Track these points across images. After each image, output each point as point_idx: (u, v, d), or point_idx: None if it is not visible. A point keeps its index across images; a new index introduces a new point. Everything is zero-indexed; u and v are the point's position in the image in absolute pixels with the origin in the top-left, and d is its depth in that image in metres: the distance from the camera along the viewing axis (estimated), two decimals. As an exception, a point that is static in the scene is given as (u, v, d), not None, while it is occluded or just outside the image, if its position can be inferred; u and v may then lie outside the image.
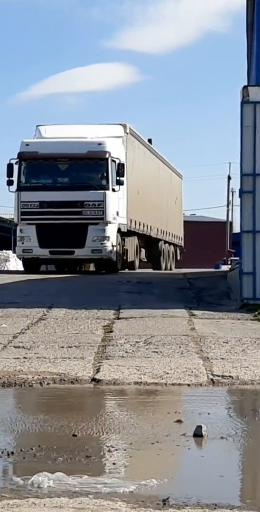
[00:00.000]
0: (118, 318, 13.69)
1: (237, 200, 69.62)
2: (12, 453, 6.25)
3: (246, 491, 5.61)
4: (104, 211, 24.97)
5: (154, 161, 34.35)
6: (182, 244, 41.72)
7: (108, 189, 25.19)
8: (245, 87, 16.21)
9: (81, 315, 13.95)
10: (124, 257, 26.70)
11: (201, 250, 58.73)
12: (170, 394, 8.64)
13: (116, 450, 6.41)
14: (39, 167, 25.97)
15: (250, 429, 7.12)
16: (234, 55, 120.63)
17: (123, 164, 25.78)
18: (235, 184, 66.72)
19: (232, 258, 43.40)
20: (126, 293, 17.78)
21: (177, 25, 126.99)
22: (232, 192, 70.68)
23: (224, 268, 40.10)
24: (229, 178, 72.22)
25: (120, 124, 27.77)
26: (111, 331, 12.25)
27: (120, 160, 25.75)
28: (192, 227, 64.69)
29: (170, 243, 37.16)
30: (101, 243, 24.86)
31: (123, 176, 25.66)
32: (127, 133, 27.93)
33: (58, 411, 7.83)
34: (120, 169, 25.57)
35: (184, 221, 65.23)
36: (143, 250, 31.03)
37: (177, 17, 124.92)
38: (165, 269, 34.48)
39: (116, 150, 26.09)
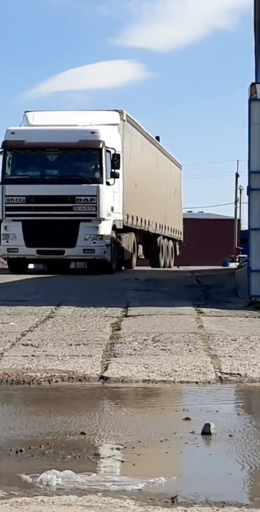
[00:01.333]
0: (126, 316, 13.70)
1: (245, 198, 69.46)
2: (21, 450, 6.26)
3: (254, 489, 5.60)
4: (98, 206, 22.56)
5: (152, 150, 31.83)
6: (182, 239, 39.50)
7: (101, 182, 22.77)
8: (252, 85, 16.19)
9: (89, 313, 13.95)
10: (120, 256, 24.56)
11: (209, 248, 58.71)
12: (178, 392, 8.64)
13: (125, 448, 6.41)
14: (26, 158, 23.41)
15: (258, 427, 7.11)
16: (242, 53, 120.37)
17: (118, 155, 23.38)
18: (243, 182, 66.63)
19: (240, 255, 43.26)
20: (134, 291, 17.78)
21: (184, 23, 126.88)
22: (240, 190, 70.58)
23: (232, 265, 40.05)
24: (237, 175, 72.10)
25: (116, 111, 25.17)
26: (119, 329, 12.26)
27: (115, 150, 23.34)
28: (200, 224, 64.69)
29: (169, 238, 35.05)
30: (94, 242, 22.52)
31: (118, 168, 23.27)
32: (124, 120, 25.31)
33: (66, 409, 7.84)
34: (115, 160, 23.09)
35: (192, 219, 65.18)
36: (140, 247, 29.04)
37: (184, 14, 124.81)
38: (164, 266, 32.59)
39: (111, 139, 23.61)
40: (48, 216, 22.71)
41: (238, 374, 9.18)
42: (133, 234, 26.84)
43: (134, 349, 10.59)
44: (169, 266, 33.92)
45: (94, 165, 22.96)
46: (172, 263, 35.32)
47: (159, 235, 32.02)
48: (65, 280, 20.55)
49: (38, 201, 22.88)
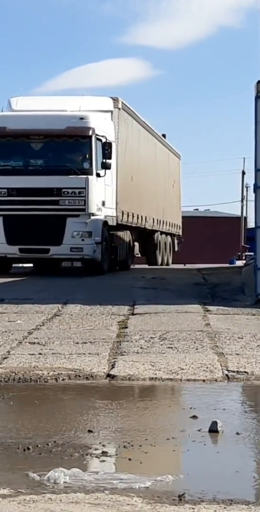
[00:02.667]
0: (133, 314, 13.70)
1: (251, 195, 69.28)
2: (28, 448, 6.27)
3: (262, 486, 5.60)
4: (86, 200, 20.29)
5: (150, 141, 29.68)
6: (180, 233, 37.06)
7: (91, 173, 20.51)
8: (259, 82, 16.16)
9: (95, 311, 13.96)
10: (113, 256, 22.39)
11: (215, 246, 58.64)
12: (185, 390, 8.64)
13: (132, 445, 6.42)
14: (8, 146, 21.07)
15: (265, 425, 7.11)
16: (248, 50, 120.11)
17: (110, 143, 21.18)
18: (250, 179, 66.57)
19: (246, 253, 43.17)
20: (141, 288, 17.78)
21: (190, 20, 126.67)
22: (247, 187, 70.48)
23: (239, 263, 40.00)
24: (243, 173, 72.01)
25: (110, 97, 23.10)
26: (126, 327, 12.26)
27: (106, 139, 21.14)
28: (206, 222, 64.66)
29: (167, 234, 32.95)
30: (83, 240, 20.27)
31: (110, 158, 21.02)
32: (119, 108, 23.27)
33: (73, 407, 7.85)
34: (107, 149, 20.90)
35: (198, 217, 65.14)
36: (136, 244, 26.97)
37: (190, 12, 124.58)
38: (162, 263, 30.91)
39: (102, 126, 21.44)
40: (31, 211, 20.53)
41: (245, 372, 9.17)
42: (128, 232, 24.82)
43: (140, 347, 10.59)
44: (167, 264, 32.33)
45: (82, 154, 20.77)
46: (170, 260, 33.49)
47: (156, 231, 30.24)
48: (72, 278, 20.55)
49: (20, 194, 20.62)
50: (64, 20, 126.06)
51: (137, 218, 25.87)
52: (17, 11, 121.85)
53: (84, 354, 10.08)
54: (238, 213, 71.10)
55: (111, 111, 22.87)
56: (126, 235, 24.40)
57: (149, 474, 5.57)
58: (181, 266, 33.62)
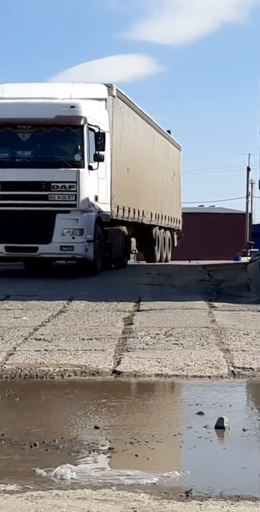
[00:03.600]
0: (138, 310, 13.70)
1: (256, 192, 69.12)
2: (35, 444, 6.29)
3: (268, 483, 5.60)
4: (78, 195, 18.72)
5: (147, 131, 27.87)
6: (180, 228, 35.28)
7: (83, 166, 18.91)
8: (264, 78, 16.14)
9: (101, 307, 13.97)
10: (107, 254, 20.89)
11: (221, 242, 58.61)
12: (191, 386, 8.64)
13: (138, 442, 6.43)
14: None
15: (271, 421, 7.11)
16: (252, 46, 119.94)
17: (103, 134, 19.50)
18: (255, 176, 66.46)
19: (251, 249, 43.14)
20: (146, 285, 17.79)
21: (194, 16, 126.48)
22: (252, 184, 70.42)
23: (244, 259, 40.00)
24: (248, 169, 71.92)
25: (104, 84, 21.54)
26: (131, 323, 12.27)
27: (99, 129, 19.46)
28: (212, 219, 64.63)
29: (166, 228, 31.34)
30: (73, 238, 18.70)
31: (103, 149, 19.42)
32: (114, 96, 21.66)
33: (79, 403, 7.86)
34: (100, 140, 19.29)
35: (204, 213, 65.13)
36: (133, 240, 25.59)
37: (194, 7, 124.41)
38: (160, 260, 29.34)
39: (95, 115, 19.93)
40: (18, 206, 18.93)
41: (250, 368, 9.17)
42: (124, 227, 23.33)
43: (146, 344, 10.60)
44: (166, 260, 30.79)
45: (73, 145, 19.17)
46: (169, 256, 31.87)
47: (154, 226, 28.64)
48: (76, 275, 20.51)
49: (6, 188, 19.08)
50: (67, 16, 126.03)
51: (134, 212, 24.38)
52: (20, 8, 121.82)
53: (90, 350, 10.09)
54: (243, 210, 71.05)
55: (105, 99, 21.27)
56: (121, 231, 22.97)
57: (156, 470, 5.58)
58: (186, 262, 33.60)
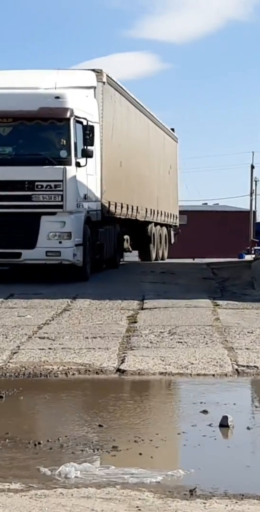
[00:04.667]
0: (142, 309, 13.70)
1: (260, 189, 69.04)
2: (39, 443, 6.29)
3: (273, 481, 5.59)
4: (64, 195, 16.89)
5: (141, 120, 25.80)
6: (177, 224, 33.14)
7: (69, 163, 17.08)
8: (268, 76, 16.13)
9: (105, 305, 13.97)
10: (98, 256, 19.09)
11: (225, 240, 58.59)
12: (195, 385, 8.63)
13: (142, 440, 6.42)
14: None
15: (276, 419, 7.11)
16: (257, 43, 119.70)
17: (92, 127, 17.67)
18: (259, 173, 66.43)
19: (255, 247, 43.08)
20: (150, 283, 17.78)
21: (198, 13, 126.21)
22: (256, 181, 70.40)
23: (248, 257, 39.97)
24: (252, 167, 71.88)
25: (93, 70, 19.48)
26: (135, 322, 12.27)
27: (88, 121, 17.61)
28: (216, 216, 64.63)
29: (162, 225, 29.32)
30: (60, 242, 16.89)
31: (92, 144, 17.61)
32: (104, 83, 19.66)
33: (83, 402, 7.87)
34: (88, 134, 17.46)
35: (208, 211, 65.14)
36: (127, 237, 23.88)
37: (197, 4, 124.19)
38: (156, 258, 27.69)
39: (83, 105, 18.02)
40: None
41: (255, 366, 9.16)
42: (117, 225, 21.56)
43: (150, 342, 10.60)
44: (162, 258, 29.05)
45: (59, 140, 17.33)
46: (166, 254, 30.04)
47: (150, 222, 26.85)
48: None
49: None
50: (70, 14, 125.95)
51: (127, 209, 22.44)
52: (23, 6, 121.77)
53: (94, 348, 10.09)
54: (247, 207, 71.02)
55: (94, 87, 19.25)
56: (113, 230, 21.11)
57: (160, 469, 5.58)
58: (190, 260, 33.59)
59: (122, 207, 21.52)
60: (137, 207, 23.98)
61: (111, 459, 5.93)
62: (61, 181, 16.96)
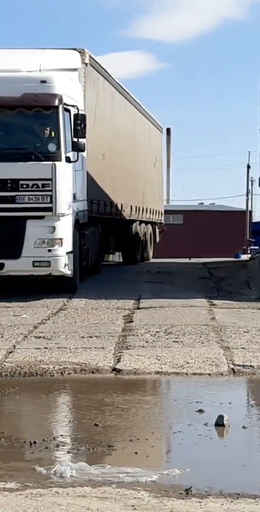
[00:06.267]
0: (138, 308, 13.70)
1: (256, 189, 69.17)
2: (35, 442, 6.28)
3: (268, 480, 5.60)
4: (54, 195, 14.51)
5: (127, 108, 23.29)
6: (162, 220, 30.69)
7: (59, 158, 14.65)
8: (264, 76, 16.14)
9: (101, 305, 13.97)
10: (84, 263, 16.66)
11: (221, 239, 58.63)
12: (191, 384, 8.63)
13: (138, 439, 6.42)
14: None
15: (271, 419, 7.11)
16: (253, 43, 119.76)
17: (84, 116, 15.31)
18: (255, 173, 66.45)
19: (251, 247, 43.10)
20: (146, 283, 17.78)
21: (194, 12, 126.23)
22: (252, 181, 70.40)
23: (244, 257, 40.00)
24: (248, 167, 71.91)
25: (75, 50, 17.02)
26: (131, 321, 12.27)
27: (78, 109, 15.27)
28: (212, 216, 64.65)
29: (147, 222, 26.89)
30: (49, 250, 14.53)
31: (84, 136, 15.22)
32: (86, 64, 17.21)
33: (79, 401, 7.86)
34: (80, 125, 15.05)
35: (204, 211, 65.14)
36: (111, 239, 21.76)
37: (194, 4, 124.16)
38: (141, 259, 25.28)
39: (71, 91, 15.54)
40: None
41: (250, 366, 9.17)
42: (99, 225, 18.92)
43: (146, 341, 10.60)
44: (147, 259, 26.78)
45: (46, 132, 14.89)
46: (151, 254, 27.71)
47: (134, 220, 24.29)
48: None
49: None
50: (66, 13, 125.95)
51: (111, 207, 20.25)
52: (19, 5, 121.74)
53: (89, 348, 10.08)
54: (243, 207, 71.08)
55: (78, 69, 16.78)
56: (96, 232, 18.53)
57: (156, 468, 5.58)
58: (186, 260, 33.59)
59: (105, 205, 19.34)
60: (122, 205, 21.90)
61: (106, 458, 5.93)
62: (50, 179, 14.54)
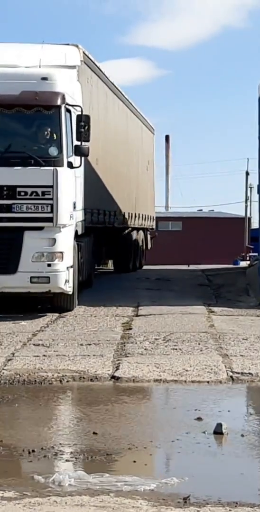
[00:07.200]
0: (137, 315, 13.70)
1: (255, 196, 69.20)
2: (33, 451, 6.28)
3: (267, 489, 5.60)
4: (55, 204, 13.34)
5: (120, 109, 22.10)
6: (154, 226, 29.50)
7: (61, 163, 13.51)
8: (263, 83, 16.16)
9: (100, 312, 13.97)
10: (80, 278, 15.28)
11: (219, 246, 58.68)
12: (190, 392, 8.63)
13: (136, 448, 6.42)
14: None
15: (270, 427, 7.11)
16: (251, 49, 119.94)
17: (88, 117, 14.09)
18: (254, 180, 66.52)
19: (250, 254, 43.11)
20: (145, 290, 17.79)
21: (193, 19, 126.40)
22: (250, 188, 70.45)
23: (243, 264, 40.02)
24: (247, 173, 71.95)
25: (73, 45, 15.94)
26: (130, 328, 12.27)
27: (82, 110, 14.10)
28: (211, 223, 64.70)
29: (139, 229, 25.71)
30: (49, 265, 13.30)
31: (88, 139, 14.01)
32: (81, 61, 16.04)
33: (77, 409, 7.86)
34: (83, 126, 13.90)
35: (203, 217, 65.14)
36: (104, 248, 20.75)
37: (192, 11, 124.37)
38: (133, 267, 24.34)
39: (71, 90, 14.48)
40: None
41: (249, 373, 9.17)
42: (92, 235, 17.35)
43: (145, 349, 10.60)
44: (140, 266, 25.79)
45: (47, 134, 13.67)
46: (143, 261, 26.85)
47: (127, 227, 23.34)
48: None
49: None
50: (65, 20, 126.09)
51: (104, 215, 18.99)
52: (17, 11, 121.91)
53: (88, 355, 10.08)
54: (242, 214, 71.11)
55: (76, 67, 15.65)
56: (90, 242, 17.11)
57: (154, 476, 5.58)
58: (185, 267, 33.60)
59: (99, 213, 18.12)
60: (115, 212, 20.82)
61: (105, 466, 5.93)
62: (51, 186, 13.36)
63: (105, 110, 19.45)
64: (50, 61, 14.40)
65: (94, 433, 6.84)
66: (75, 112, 14.00)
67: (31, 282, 13.32)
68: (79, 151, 13.87)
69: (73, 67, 15.35)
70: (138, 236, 25.85)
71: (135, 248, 24.99)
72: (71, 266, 13.80)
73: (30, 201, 13.39)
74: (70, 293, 13.87)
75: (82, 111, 14.01)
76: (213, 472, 5.92)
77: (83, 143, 13.89)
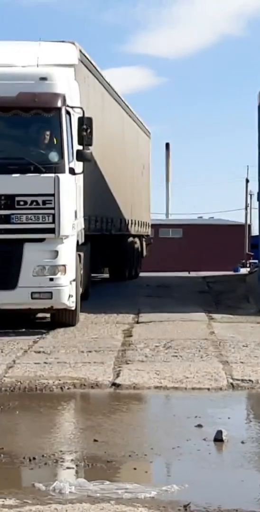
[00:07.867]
0: (138, 322, 13.72)
1: (255, 203, 69.22)
2: (34, 458, 6.29)
3: (267, 496, 5.61)
4: (57, 214, 12.50)
5: (116, 111, 21.38)
6: (149, 233, 28.63)
7: (62, 170, 12.65)
8: (262, 91, 16.20)
9: (100, 319, 13.98)
10: (81, 290, 14.12)
11: (220, 253, 58.71)
12: (190, 399, 8.64)
13: (137, 455, 6.43)
14: None
15: (270, 434, 7.12)
16: (250, 58, 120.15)
17: (90, 120, 13.07)
18: (253, 187, 66.58)
19: (251, 261, 43.11)
20: (145, 297, 17.80)
21: (192, 28, 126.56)
22: (250, 195, 70.49)
23: (243, 271, 40.03)
24: (247, 181, 72.00)
25: (70, 42, 15.17)
26: (130, 336, 12.28)
27: (83, 112, 13.12)
28: (211, 230, 64.73)
29: (134, 236, 25.04)
30: (51, 280, 12.47)
31: (91, 143, 13.13)
32: (78, 59, 15.33)
33: (78, 416, 7.87)
34: (86, 130, 12.95)
35: (203, 225, 65.18)
36: (97, 257, 19.00)
37: (191, 19, 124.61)
38: (129, 275, 23.86)
39: (70, 91, 13.42)
40: None
41: (249, 380, 9.17)
42: (88, 245, 16.14)
43: (145, 356, 10.61)
44: (136, 275, 25.18)
45: (47, 138, 12.80)
46: (139, 269, 26.23)
47: (123, 235, 22.64)
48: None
49: None
50: (64, 29, 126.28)
51: (102, 222, 18.32)
52: (17, 19, 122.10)
53: (89, 363, 10.09)
54: (242, 221, 71.12)
55: (74, 65, 14.75)
56: (87, 252, 15.88)
57: (154, 484, 5.59)
58: (185, 273, 33.61)
59: (96, 221, 17.34)
60: (112, 219, 20.08)
61: (105, 474, 5.94)
62: (52, 195, 12.47)
63: (101, 112, 18.46)
64: (48, 60, 13.53)
65: (94, 440, 6.85)
66: (74, 114, 13.15)
67: (32, 298, 12.52)
68: (81, 156, 13.05)
69: (71, 65, 14.46)
70: (134, 243, 25.24)
71: (131, 256, 24.38)
72: (74, 280, 12.95)
73: (30, 211, 12.56)
74: (73, 308, 13.00)
75: (83, 113, 13.05)
76: (214, 479, 5.93)
77: (85, 148, 13.04)
